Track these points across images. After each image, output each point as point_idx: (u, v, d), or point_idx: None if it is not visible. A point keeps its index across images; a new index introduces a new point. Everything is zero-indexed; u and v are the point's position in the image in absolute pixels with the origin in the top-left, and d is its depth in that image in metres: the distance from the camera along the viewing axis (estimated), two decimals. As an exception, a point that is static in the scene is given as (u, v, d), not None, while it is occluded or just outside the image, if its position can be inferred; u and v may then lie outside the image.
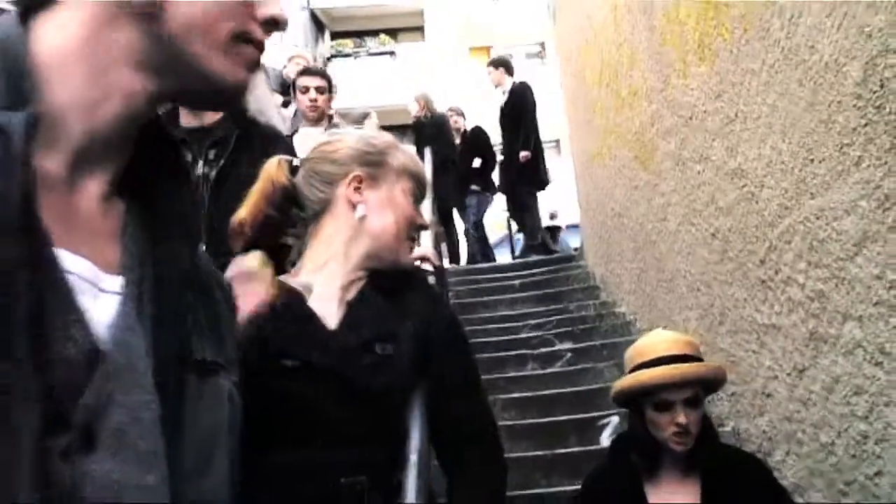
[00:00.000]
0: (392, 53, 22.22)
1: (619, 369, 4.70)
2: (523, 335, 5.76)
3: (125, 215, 0.76)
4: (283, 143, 2.88)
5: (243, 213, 1.68)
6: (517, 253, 9.61)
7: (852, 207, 2.50)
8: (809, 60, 2.69)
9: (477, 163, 8.89)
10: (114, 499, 0.63)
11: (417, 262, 2.29)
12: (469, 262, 9.01)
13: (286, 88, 8.90)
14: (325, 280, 1.62)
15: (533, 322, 5.98)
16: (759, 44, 3.07)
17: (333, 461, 1.43)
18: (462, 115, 9.70)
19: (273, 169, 1.73)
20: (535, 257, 8.45)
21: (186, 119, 2.74)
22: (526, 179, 8.52)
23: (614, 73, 5.45)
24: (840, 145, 2.53)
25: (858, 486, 2.66)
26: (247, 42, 0.77)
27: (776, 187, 3.08)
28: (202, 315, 0.80)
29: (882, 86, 2.25)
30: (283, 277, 1.60)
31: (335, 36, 22.36)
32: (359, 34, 22.54)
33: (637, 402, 2.25)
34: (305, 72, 4.93)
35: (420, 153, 8.08)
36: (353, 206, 1.65)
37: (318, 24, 21.65)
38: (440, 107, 14.94)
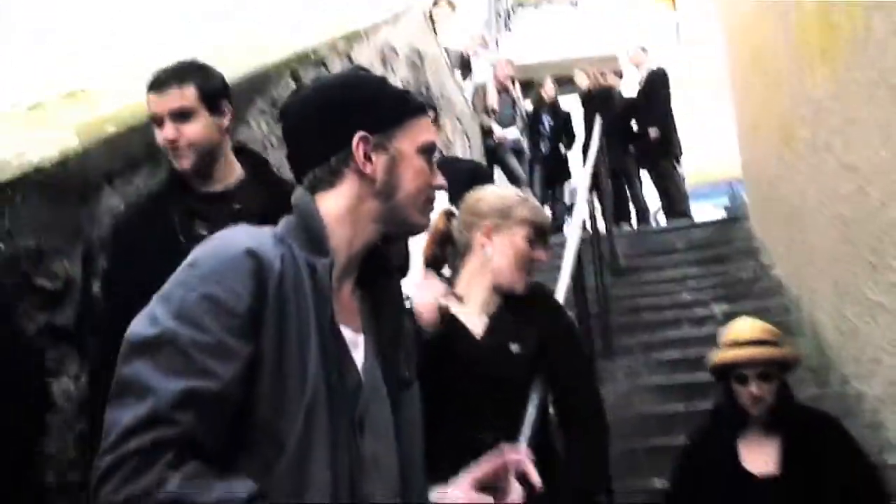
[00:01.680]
0: (574, 4, 22.61)
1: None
2: (684, 296, 6.35)
3: (360, 299, 1.52)
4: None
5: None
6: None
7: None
8: None
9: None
10: (372, 462, 1.39)
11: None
12: (639, 221, 9.51)
13: (466, 65, 9.69)
14: (471, 301, 2.37)
15: (693, 284, 6.52)
16: (872, 52, 3.51)
17: (480, 423, 2.18)
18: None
19: (438, 219, 2.48)
20: (704, 219, 8.91)
21: (199, 184, 2.41)
22: (667, 152, 9.20)
23: (762, 57, 5.85)
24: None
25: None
26: (431, 202, 1.51)
27: (881, 184, 3.55)
28: (402, 341, 1.55)
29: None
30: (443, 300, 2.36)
31: (518, -14, 22.86)
32: (542, -17, 22.90)
33: (724, 375, 2.88)
34: None
35: (590, 122, 8.71)
36: (484, 248, 2.39)
37: (501, -25, 22.25)
38: (621, 56, 15.31)
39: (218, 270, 1.27)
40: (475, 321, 2.34)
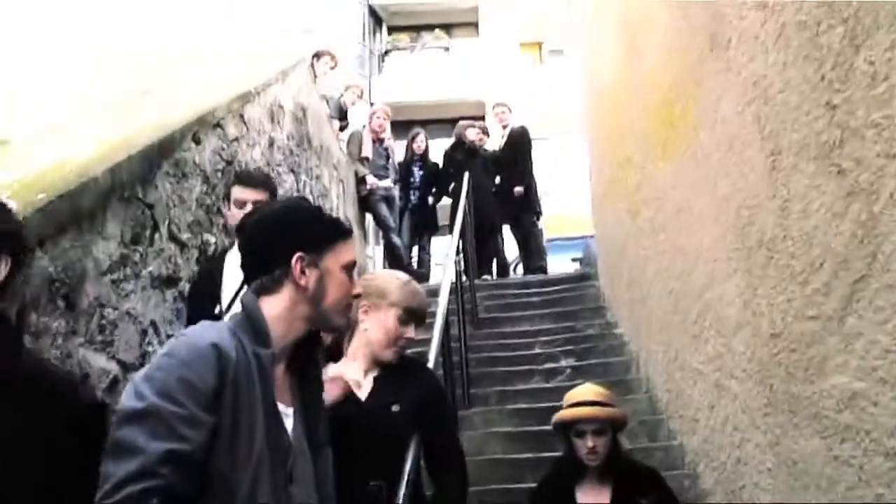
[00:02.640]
0: (446, 49, 23.50)
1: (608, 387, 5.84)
2: (536, 349, 6.91)
3: (290, 379, 1.93)
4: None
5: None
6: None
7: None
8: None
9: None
10: None
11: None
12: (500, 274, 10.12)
13: (343, 114, 10.12)
14: (357, 368, 2.79)
15: (545, 338, 7.10)
16: (699, 155, 4.13)
17: (368, 473, 2.59)
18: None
19: None
20: (559, 273, 9.60)
21: None
22: (529, 208, 10.00)
23: (615, 136, 6.53)
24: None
25: None
26: (350, 307, 1.94)
27: (704, 269, 4.16)
28: (319, 413, 1.97)
29: None
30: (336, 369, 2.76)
31: (392, 30, 23.50)
32: (415, 28, 23.62)
33: (566, 430, 3.39)
34: (242, 180, 3.78)
35: (460, 177, 9.28)
36: (362, 323, 2.82)
37: (376, 19, 22.83)
38: (488, 100, 15.97)
39: (189, 360, 1.71)
40: (361, 385, 2.75)
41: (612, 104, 6.68)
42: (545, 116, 18.88)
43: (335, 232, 1.96)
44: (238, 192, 3.67)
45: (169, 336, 3.93)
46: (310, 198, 7.23)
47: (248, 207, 3.39)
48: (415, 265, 9.93)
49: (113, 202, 3.51)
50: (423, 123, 22.17)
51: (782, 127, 2.81)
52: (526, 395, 6.08)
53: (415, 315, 2.87)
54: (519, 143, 10.11)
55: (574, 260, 13.77)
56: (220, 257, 3.81)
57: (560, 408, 3.55)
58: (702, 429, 4.41)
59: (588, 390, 3.49)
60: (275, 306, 1.87)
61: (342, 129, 9.98)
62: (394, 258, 9.82)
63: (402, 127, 20.39)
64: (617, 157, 6.54)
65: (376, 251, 10.89)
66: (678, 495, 4.05)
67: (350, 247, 1.97)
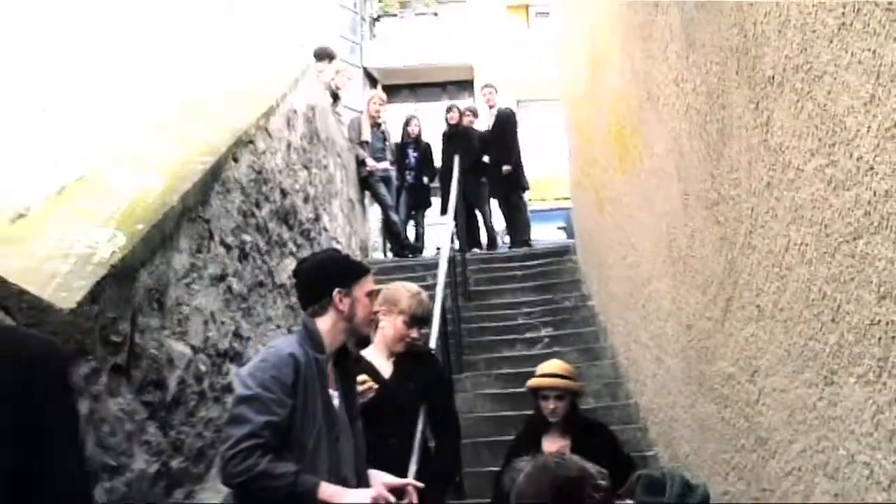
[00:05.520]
0: (435, 14, 24.35)
1: (578, 353, 6.94)
2: (519, 320, 7.98)
3: (335, 370, 3.00)
4: None
5: None
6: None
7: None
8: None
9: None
10: (344, 458, 2.92)
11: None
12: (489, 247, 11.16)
13: (335, 95, 10.97)
14: (380, 354, 3.84)
15: (527, 309, 8.17)
16: (643, 172, 5.14)
17: (389, 432, 3.64)
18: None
19: None
20: (542, 246, 10.67)
21: None
22: (516, 185, 11.00)
23: (586, 131, 7.53)
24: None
25: None
26: (372, 322, 3.03)
27: (649, 264, 5.20)
28: (353, 396, 3.05)
29: None
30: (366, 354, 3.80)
31: (383, -4, 24.28)
32: (404, -5, 24.40)
33: (534, 394, 4.45)
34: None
35: (450, 159, 10.29)
36: (379, 323, 3.87)
37: (366, -14, 23.61)
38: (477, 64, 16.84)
39: (277, 363, 2.81)
40: (385, 368, 3.81)
41: (583, 107, 7.66)
42: (533, 79, 19.78)
43: (359, 271, 3.10)
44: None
45: (223, 323, 5.01)
46: (318, 185, 8.25)
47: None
48: (411, 239, 10.97)
49: (184, 223, 4.54)
50: (413, 87, 23.22)
51: (689, 177, 3.84)
52: (510, 361, 7.18)
53: (419, 320, 3.92)
54: (506, 123, 11.12)
55: (559, 228, 14.85)
56: None
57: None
58: (648, 391, 5.50)
59: (553, 365, 4.52)
60: (324, 324, 2.97)
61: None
62: (391, 234, 10.89)
63: (393, 91, 21.35)
64: (587, 156, 7.54)
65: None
66: (633, 444, 5.21)
67: (370, 280, 3.08)
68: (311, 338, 2.92)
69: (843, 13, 2.08)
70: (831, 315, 2.41)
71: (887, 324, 2.08)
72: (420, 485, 3.10)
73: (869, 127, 2.02)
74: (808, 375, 2.63)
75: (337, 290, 2.96)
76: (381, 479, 3.03)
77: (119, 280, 3.71)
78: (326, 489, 2.72)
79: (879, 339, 2.13)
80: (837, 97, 2.19)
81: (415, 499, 3.04)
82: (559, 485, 2.19)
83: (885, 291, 2.08)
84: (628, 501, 2.23)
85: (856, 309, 2.25)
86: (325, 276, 3.01)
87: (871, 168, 2.05)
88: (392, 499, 2.90)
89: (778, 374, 2.91)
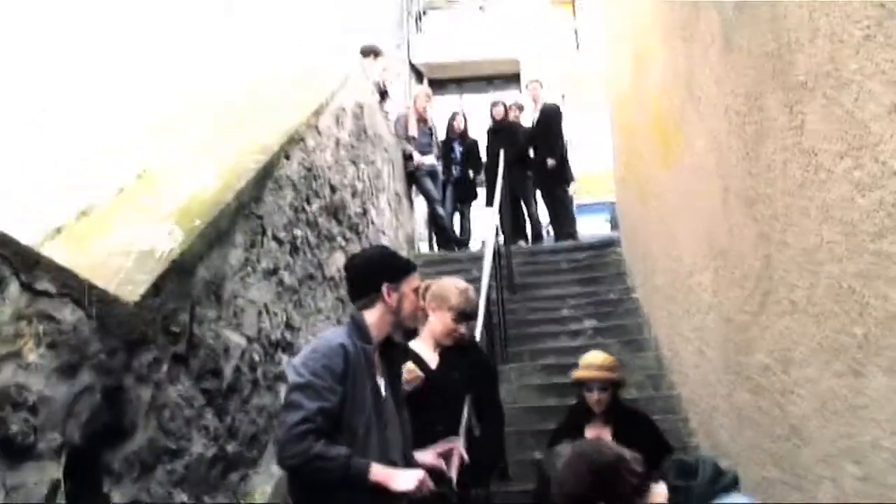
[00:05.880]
0: (481, 8, 24.47)
1: (622, 345, 7.04)
2: (563, 312, 8.09)
3: (381, 358, 3.17)
4: None
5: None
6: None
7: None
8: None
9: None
10: (391, 441, 3.08)
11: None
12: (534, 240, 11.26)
13: (384, 92, 11.17)
14: (427, 346, 3.99)
15: (572, 301, 8.28)
16: (688, 165, 5.23)
17: (438, 419, 3.79)
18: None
19: None
20: (587, 239, 10.77)
21: None
22: (560, 179, 11.07)
23: (631, 126, 7.62)
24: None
25: None
26: (418, 315, 3.20)
27: (691, 259, 5.29)
28: (399, 383, 3.21)
29: None
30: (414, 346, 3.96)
31: (429, -11, 24.43)
32: (451, -13, 24.52)
33: (578, 385, 4.57)
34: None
35: (495, 154, 10.43)
36: (428, 318, 4.02)
37: (414, -21, 23.77)
38: (522, 58, 16.87)
39: (328, 353, 2.96)
40: (431, 359, 3.96)
41: (627, 103, 7.75)
42: (578, 72, 19.73)
43: (406, 268, 3.25)
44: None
45: (275, 314, 5.21)
46: (366, 180, 8.44)
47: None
48: (457, 232, 11.12)
49: (239, 220, 4.73)
50: (459, 81, 23.35)
51: (728, 175, 3.94)
52: (554, 352, 7.29)
53: (466, 316, 4.06)
54: (553, 118, 11.19)
55: (607, 221, 14.89)
56: None
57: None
58: (690, 383, 5.60)
59: (596, 356, 4.64)
60: (372, 316, 3.13)
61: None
62: (438, 227, 11.05)
63: (439, 85, 21.49)
64: (631, 150, 7.63)
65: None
66: (674, 434, 5.31)
67: (415, 277, 3.24)
68: (360, 329, 3.08)
69: (868, 25, 2.18)
70: (859, 309, 2.52)
71: (910, 318, 2.19)
72: (461, 447, 3.38)
73: (892, 134, 2.13)
74: (837, 367, 2.74)
75: (385, 285, 3.12)
76: (424, 457, 3.24)
77: (178, 274, 3.91)
78: (378, 471, 2.88)
79: (903, 332, 2.23)
80: (864, 104, 2.29)
81: (463, 454, 3.39)
82: (596, 469, 2.33)
83: (908, 287, 2.18)
84: (662, 484, 2.36)
85: (881, 304, 2.36)
86: (375, 271, 3.17)
87: (895, 172, 2.16)
88: (432, 485, 3.04)
89: (810, 366, 3.02)
